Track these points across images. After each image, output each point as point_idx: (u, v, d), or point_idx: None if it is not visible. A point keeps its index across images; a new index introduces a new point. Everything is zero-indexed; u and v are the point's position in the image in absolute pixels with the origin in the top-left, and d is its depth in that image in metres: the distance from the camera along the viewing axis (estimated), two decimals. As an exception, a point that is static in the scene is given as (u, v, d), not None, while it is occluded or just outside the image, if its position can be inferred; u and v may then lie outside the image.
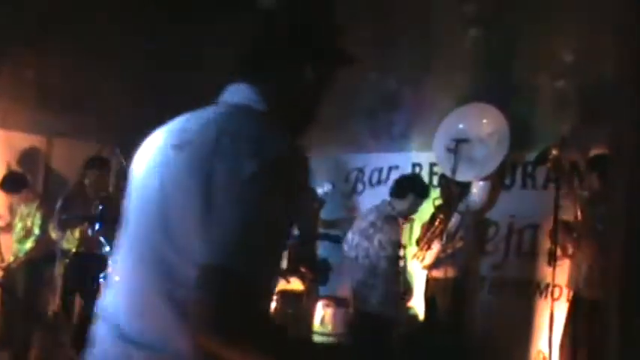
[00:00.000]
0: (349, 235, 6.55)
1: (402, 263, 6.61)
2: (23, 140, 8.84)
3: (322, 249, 8.25)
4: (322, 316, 7.08)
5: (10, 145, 8.71)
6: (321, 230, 8.30)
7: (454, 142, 7.34)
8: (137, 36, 8.91)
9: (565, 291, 6.66)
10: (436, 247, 7.24)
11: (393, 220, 6.47)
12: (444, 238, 7.25)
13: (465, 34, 7.69)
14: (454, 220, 7.28)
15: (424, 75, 8.04)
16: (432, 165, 8.07)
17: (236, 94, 2.05)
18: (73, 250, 7.49)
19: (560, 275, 6.56)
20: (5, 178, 8.15)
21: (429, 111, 8.04)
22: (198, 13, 8.94)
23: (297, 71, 2.06)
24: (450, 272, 7.25)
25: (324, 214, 8.38)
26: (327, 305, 7.06)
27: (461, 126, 7.49)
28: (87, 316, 7.31)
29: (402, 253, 6.60)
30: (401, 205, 6.54)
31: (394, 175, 8.07)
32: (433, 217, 7.43)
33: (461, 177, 7.27)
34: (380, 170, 8.55)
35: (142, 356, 1.83)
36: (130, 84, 8.94)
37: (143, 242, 1.93)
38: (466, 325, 7.36)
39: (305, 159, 1.88)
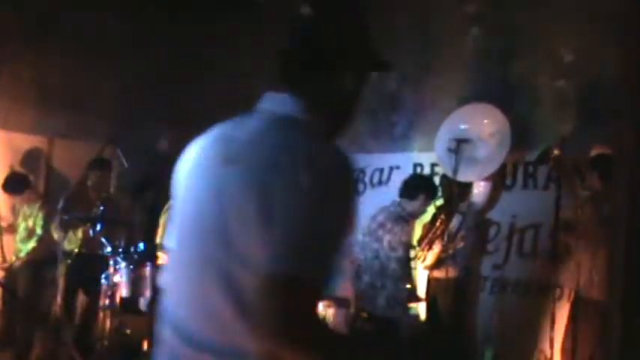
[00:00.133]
0: (358, 236, 6.55)
1: (412, 264, 6.62)
2: (25, 141, 8.84)
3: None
4: (323, 317, 7.08)
5: (11, 145, 8.71)
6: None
7: (455, 143, 7.33)
8: (138, 36, 8.92)
9: (566, 291, 6.66)
10: (437, 247, 7.23)
11: (403, 221, 6.48)
12: (445, 239, 7.24)
13: (466, 34, 7.69)
14: (455, 220, 7.28)
15: (425, 75, 8.05)
16: (433, 165, 8.06)
17: (279, 103, 2.09)
18: (76, 250, 7.50)
19: (561, 275, 6.56)
20: (7, 178, 8.16)
21: (430, 111, 8.04)
22: (199, 13, 8.95)
23: (338, 80, 2.11)
24: (451, 272, 7.24)
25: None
26: (328, 306, 7.06)
27: (462, 126, 7.48)
28: (88, 317, 7.34)
29: (412, 254, 6.60)
30: (411, 206, 6.54)
31: (395, 176, 8.07)
32: (434, 218, 7.42)
33: (462, 177, 7.26)
34: (381, 170, 8.54)
35: None
36: (131, 84, 8.96)
37: (203, 253, 2.00)
38: (467, 325, 7.36)
39: (353, 167, 1.96)
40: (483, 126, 7.37)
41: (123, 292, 6.45)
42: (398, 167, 8.30)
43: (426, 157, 8.12)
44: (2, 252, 8.10)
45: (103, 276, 6.64)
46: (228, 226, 1.92)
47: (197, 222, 2.04)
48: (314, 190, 1.83)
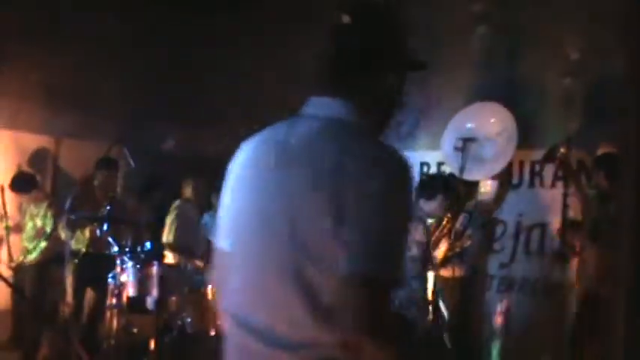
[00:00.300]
0: None
1: (429, 265, 6.61)
2: (32, 141, 8.86)
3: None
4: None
5: (19, 145, 8.74)
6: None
7: (462, 141, 7.34)
8: (145, 36, 8.94)
9: (573, 290, 6.66)
10: (444, 246, 7.23)
11: (420, 221, 6.46)
12: (452, 237, 7.23)
13: (472, 33, 7.68)
14: (462, 219, 7.27)
15: (431, 74, 8.02)
16: (439, 164, 8.06)
17: (328, 108, 2.16)
18: (83, 249, 7.52)
19: (568, 273, 6.56)
20: (15, 178, 8.18)
21: (436, 110, 8.04)
22: (202, 12, 8.95)
23: (381, 81, 2.20)
24: (458, 271, 7.23)
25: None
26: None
27: (469, 125, 7.48)
28: (96, 316, 7.35)
29: (428, 254, 6.60)
30: (429, 206, 6.54)
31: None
32: (441, 216, 7.42)
33: (469, 176, 7.27)
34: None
35: (287, 356, 2.03)
36: (138, 84, 8.97)
37: (272, 254, 2.07)
38: (474, 324, 7.35)
39: (410, 165, 2.06)
40: (490, 125, 7.38)
41: (130, 291, 6.46)
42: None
43: (432, 155, 8.12)
44: (9, 251, 8.12)
45: (110, 275, 6.65)
46: (298, 227, 2.01)
47: (260, 224, 2.11)
48: (382, 191, 1.93)
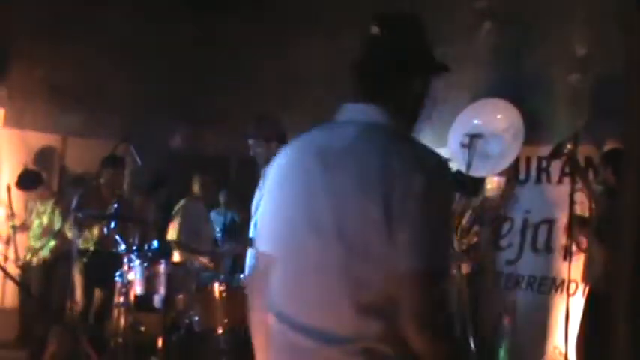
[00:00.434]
0: None
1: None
2: (39, 139, 8.89)
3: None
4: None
5: (26, 144, 8.77)
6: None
7: (468, 138, 7.33)
8: (152, 34, 8.95)
9: (581, 286, 6.64)
10: (451, 242, 7.22)
11: None
12: (459, 234, 7.22)
13: (478, 30, 7.67)
14: (468, 215, 7.26)
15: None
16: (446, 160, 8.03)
17: (365, 113, 2.28)
18: (91, 248, 7.53)
19: (575, 270, 6.54)
20: (21, 176, 8.20)
21: (443, 106, 8.01)
22: (212, 11, 8.96)
23: (412, 87, 2.34)
24: (465, 268, 7.22)
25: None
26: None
27: (475, 121, 7.47)
28: (103, 314, 7.37)
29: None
30: None
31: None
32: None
33: (475, 172, 7.25)
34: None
35: (334, 351, 2.14)
36: (144, 83, 8.98)
37: (320, 255, 2.18)
38: (481, 321, 7.33)
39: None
40: (496, 121, 7.36)
41: (137, 289, 6.46)
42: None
43: (438, 152, 8.08)
44: (16, 250, 8.14)
45: (117, 273, 6.65)
46: (345, 227, 2.13)
47: (306, 225, 2.22)
48: (427, 189, 2.07)
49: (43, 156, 8.87)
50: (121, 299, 6.58)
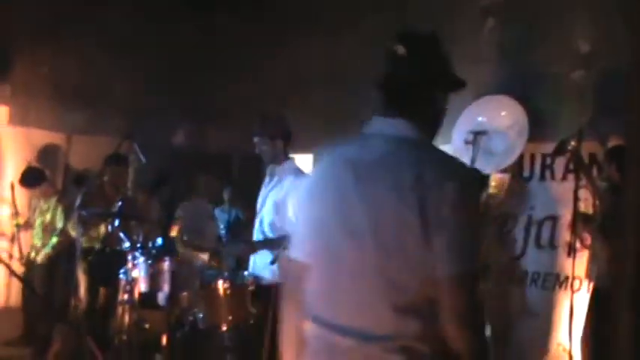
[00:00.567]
0: None
1: None
2: (42, 137, 8.91)
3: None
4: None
5: (29, 141, 8.78)
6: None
7: (472, 135, 7.31)
8: (156, 32, 8.96)
9: (585, 283, 6.64)
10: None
11: None
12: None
13: (482, 26, 7.65)
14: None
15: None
16: (450, 157, 8.02)
17: (392, 127, 2.45)
18: (97, 246, 7.54)
19: (579, 267, 6.53)
20: (24, 173, 8.23)
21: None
22: (214, 9, 8.97)
23: (435, 102, 2.57)
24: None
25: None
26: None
27: (479, 118, 7.46)
28: (107, 311, 7.38)
29: None
30: None
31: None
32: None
33: (480, 169, 7.24)
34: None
35: (373, 348, 2.30)
36: (147, 81, 8.99)
37: (358, 261, 2.35)
38: (486, 318, 7.32)
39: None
40: (500, 118, 7.35)
41: (141, 287, 6.45)
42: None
43: (443, 149, 8.07)
44: (20, 248, 8.15)
45: (121, 271, 6.66)
46: (382, 234, 2.30)
47: (343, 233, 2.38)
48: (459, 196, 2.25)
49: (47, 154, 8.88)
50: (125, 297, 6.59)
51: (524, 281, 7.30)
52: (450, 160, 2.43)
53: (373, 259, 2.30)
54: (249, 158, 6.21)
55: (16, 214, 8.25)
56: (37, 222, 8.18)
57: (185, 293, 6.41)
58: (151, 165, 8.01)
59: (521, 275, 7.33)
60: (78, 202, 7.43)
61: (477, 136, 7.26)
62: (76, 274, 7.22)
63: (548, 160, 7.26)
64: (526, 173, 7.45)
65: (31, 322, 8.14)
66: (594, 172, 6.66)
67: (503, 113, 7.33)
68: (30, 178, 8.17)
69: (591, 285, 6.45)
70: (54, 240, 8.01)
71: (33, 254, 8.14)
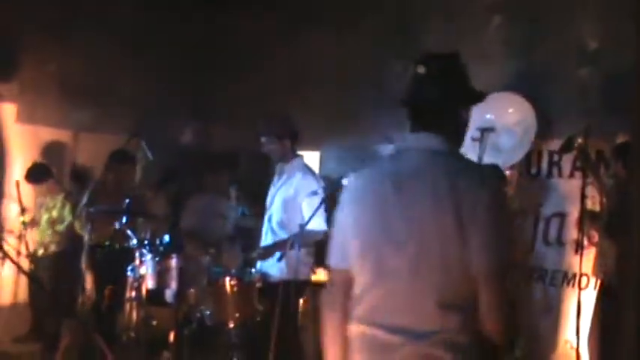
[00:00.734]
0: None
1: None
2: (50, 134, 8.91)
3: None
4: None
5: (37, 139, 8.79)
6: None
7: (480, 132, 7.29)
8: (163, 29, 8.96)
9: (592, 280, 6.63)
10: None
11: None
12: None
13: (489, 23, 7.64)
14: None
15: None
16: (457, 154, 8.00)
17: (423, 141, 2.72)
18: (107, 243, 7.55)
19: (586, 264, 6.52)
20: (30, 169, 8.25)
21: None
22: (222, 6, 8.96)
23: (459, 116, 2.83)
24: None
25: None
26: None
27: (487, 115, 7.44)
28: (115, 308, 7.39)
29: None
30: None
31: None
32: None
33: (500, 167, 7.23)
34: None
35: (422, 344, 2.53)
36: (155, 79, 8.99)
37: (402, 264, 2.58)
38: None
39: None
40: (508, 115, 7.33)
41: (149, 283, 6.48)
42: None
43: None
44: (27, 245, 8.17)
45: (129, 268, 6.68)
46: (422, 239, 2.55)
47: (386, 241, 2.62)
48: (490, 200, 2.53)
49: (54, 151, 8.89)
50: (133, 294, 6.61)
51: (532, 278, 7.29)
52: (479, 168, 2.83)
53: (415, 262, 2.55)
54: (257, 156, 6.21)
55: (22, 211, 8.26)
56: (44, 219, 8.20)
57: (192, 290, 6.43)
58: (158, 162, 8.01)
59: (529, 271, 7.32)
60: (85, 199, 7.44)
61: (485, 133, 7.23)
62: (83, 270, 7.22)
63: (556, 157, 7.25)
64: (533, 170, 7.44)
65: (39, 318, 8.16)
66: (601, 169, 6.65)
67: (510, 110, 7.31)
68: (36, 173, 8.19)
69: (598, 282, 6.45)
70: (60, 228, 8.04)
71: (40, 251, 8.15)
